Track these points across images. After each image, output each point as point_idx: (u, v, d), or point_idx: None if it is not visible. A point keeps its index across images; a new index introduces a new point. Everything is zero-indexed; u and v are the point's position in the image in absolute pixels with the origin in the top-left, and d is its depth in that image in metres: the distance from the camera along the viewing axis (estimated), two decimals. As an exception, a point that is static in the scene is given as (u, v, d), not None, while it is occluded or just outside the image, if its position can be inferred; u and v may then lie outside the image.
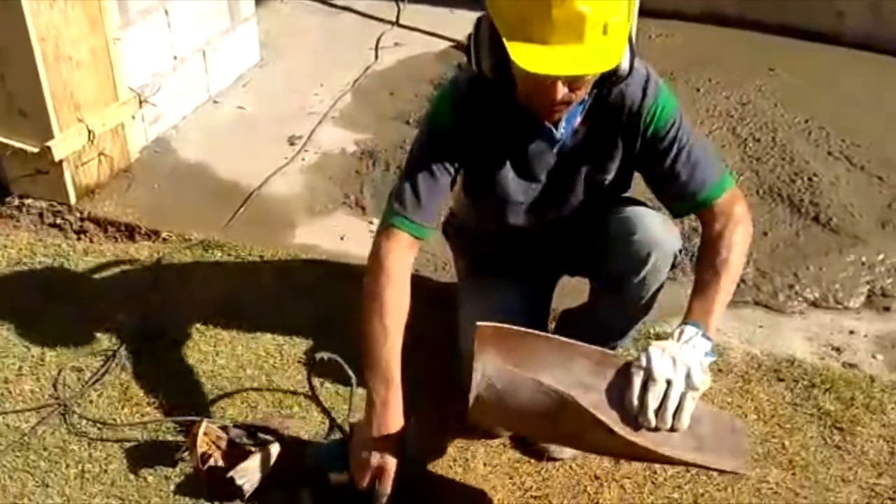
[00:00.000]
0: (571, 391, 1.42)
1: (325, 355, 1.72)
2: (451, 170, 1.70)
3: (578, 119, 1.69)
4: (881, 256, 2.42)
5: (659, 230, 1.72)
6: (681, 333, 1.53)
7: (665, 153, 1.68)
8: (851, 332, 2.24)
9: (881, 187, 2.69)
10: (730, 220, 1.66)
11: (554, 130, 1.68)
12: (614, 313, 1.85)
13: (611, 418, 1.44)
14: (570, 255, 1.95)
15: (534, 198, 1.79)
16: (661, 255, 1.71)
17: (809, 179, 2.70)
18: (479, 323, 1.51)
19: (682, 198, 1.71)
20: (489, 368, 1.44)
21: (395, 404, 1.58)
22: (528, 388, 1.42)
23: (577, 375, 1.51)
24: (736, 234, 1.66)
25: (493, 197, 1.79)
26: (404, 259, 1.69)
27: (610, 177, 1.76)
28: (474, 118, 1.68)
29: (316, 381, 1.82)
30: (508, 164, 1.74)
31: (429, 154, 1.70)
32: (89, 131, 2.59)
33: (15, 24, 2.33)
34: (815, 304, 2.32)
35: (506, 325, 1.54)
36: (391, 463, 1.57)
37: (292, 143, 3.03)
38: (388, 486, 1.57)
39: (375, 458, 1.57)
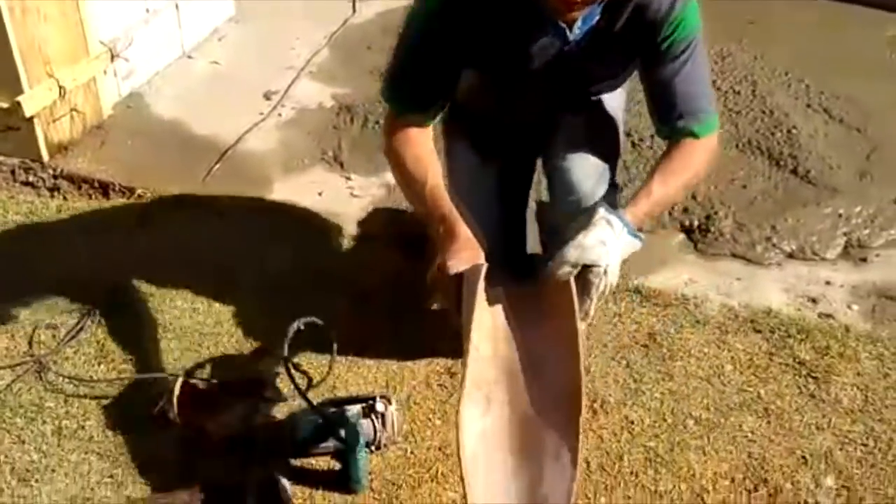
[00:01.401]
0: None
1: (302, 323, 1.69)
2: (446, 60, 1.60)
3: (596, 19, 1.55)
4: (858, 208, 2.43)
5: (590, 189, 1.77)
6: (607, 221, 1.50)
7: (670, 67, 1.59)
8: (828, 283, 2.25)
9: (859, 139, 2.70)
10: (694, 153, 1.63)
11: (568, 32, 1.55)
12: None
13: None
14: (549, 137, 1.88)
15: (527, 87, 1.71)
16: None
17: (789, 132, 2.70)
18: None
19: (665, 118, 1.65)
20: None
21: (462, 230, 1.50)
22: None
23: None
24: (691, 164, 1.63)
25: (483, 81, 1.73)
26: (423, 134, 1.64)
27: (612, 76, 1.73)
28: (469, 10, 1.56)
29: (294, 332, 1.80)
30: (507, 56, 1.64)
31: (422, 43, 1.60)
32: (60, 87, 2.54)
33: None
34: (791, 256, 2.33)
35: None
36: (480, 254, 1.48)
37: (268, 99, 2.99)
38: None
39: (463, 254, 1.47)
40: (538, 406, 1.36)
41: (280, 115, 2.92)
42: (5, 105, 2.47)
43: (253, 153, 2.72)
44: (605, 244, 1.45)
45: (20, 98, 2.44)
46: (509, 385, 1.38)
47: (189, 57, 3.19)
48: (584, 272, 1.44)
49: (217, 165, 2.64)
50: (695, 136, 1.62)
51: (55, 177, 2.57)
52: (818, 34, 3.26)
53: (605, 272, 1.44)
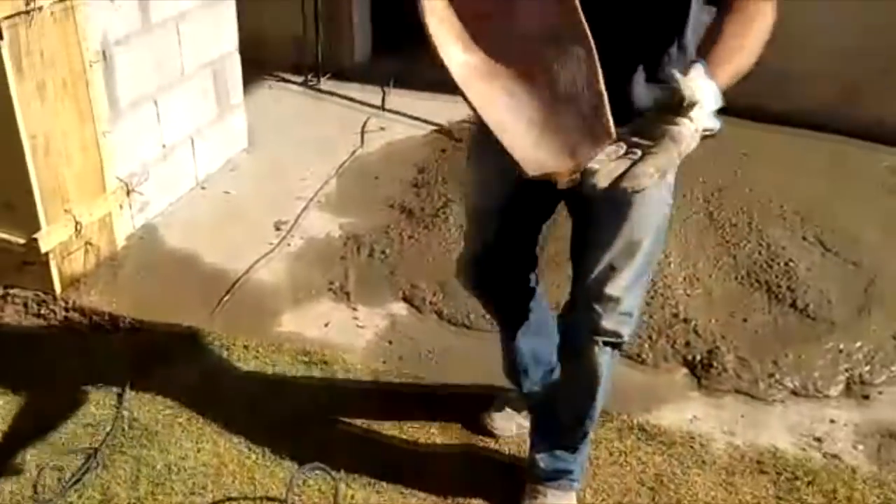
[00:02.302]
0: None
1: (307, 470, 1.69)
2: None
3: None
4: (858, 343, 2.46)
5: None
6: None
7: None
8: (832, 422, 2.25)
9: (856, 273, 2.75)
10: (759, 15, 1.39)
11: None
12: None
13: None
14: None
15: None
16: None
17: (786, 265, 2.76)
18: None
19: None
20: None
21: None
22: None
23: None
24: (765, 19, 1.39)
25: None
26: None
27: None
28: None
29: (300, 480, 1.81)
30: None
31: None
32: (76, 222, 2.62)
33: (5, 120, 2.37)
34: (795, 393, 2.34)
35: None
36: None
37: (278, 229, 3.07)
38: None
39: None
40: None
41: (289, 245, 2.99)
42: (23, 241, 2.55)
43: (262, 284, 2.78)
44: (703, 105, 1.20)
45: (37, 235, 2.52)
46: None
47: (202, 188, 3.30)
48: (677, 116, 1.19)
49: (226, 298, 2.69)
50: None
51: (67, 310, 2.62)
52: (811, 166, 3.37)
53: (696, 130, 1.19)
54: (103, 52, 2.65)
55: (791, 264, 2.76)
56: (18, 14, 2.27)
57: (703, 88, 1.22)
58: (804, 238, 2.91)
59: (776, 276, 2.72)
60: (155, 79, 2.94)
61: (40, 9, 2.33)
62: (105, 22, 2.64)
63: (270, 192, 3.29)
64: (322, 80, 4.23)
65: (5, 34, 2.26)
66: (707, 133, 1.24)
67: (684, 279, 2.71)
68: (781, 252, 2.82)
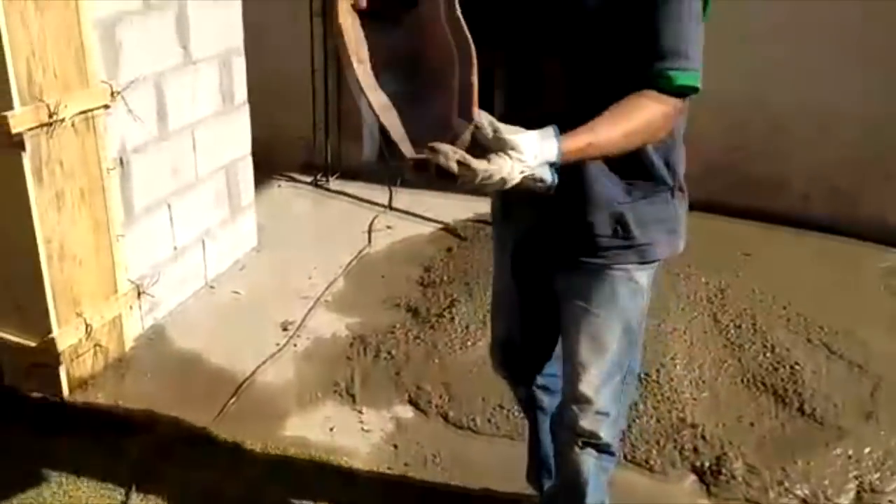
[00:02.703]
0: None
1: None
2: None
3: None
4: (867, 450, 2.44)
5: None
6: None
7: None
8: (844, 532, 2.22)
9: (861, 376, 2.75)
10: (656, 103, 1.44)
11: None
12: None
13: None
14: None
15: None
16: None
17: (791, 368, 2.76)
18: None
19: (641, 61, 1.45)
20: None
21: None
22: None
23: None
24: (646, 113, 1.43)
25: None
26: None
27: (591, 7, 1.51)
28: None
29: None
30: None
31: None
32: (87, 325, 2.65)
33: (22, 225, 2.43)
34: (805, 502, 2.31)
35: None
36: None
37: (285, 329, 3.10)
38: None
39: None
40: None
41: (296, 345, 3.01)
42: (32, 344, 2.57)
43: (268, 386, 2.78)
44: (521, 150, 1.30)
45: (48, 338, 2.55)
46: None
47: (211, 287, 3.35)
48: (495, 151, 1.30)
49: (232, 401, 2.69)
50: (670, 82, 1.43)
51: (74, 412, 2.62)
52: (813, 267, 3.41)
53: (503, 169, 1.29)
54: (120, 160, 2.74)
55: (797, 367, 2.76)
56: (41, 125, 2.37)
57: (520, 140, 1.31)
58: (809, 340, 2.92)
59: (782, 380, 2.72)
60: (170, 183, 3.02)
61: (62, 120, 2.42)
62: (123, 130, 2.74)
63: (278, 292, 3.33)
64: (331, 179, 4.34)
65: (27, 145, 2.35)
66: (538, 183, 1.35)
67: (690, 382, 2.71)
68: (787, 355, 2.82)
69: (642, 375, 2.74)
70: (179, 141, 3.05)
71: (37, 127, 2.35)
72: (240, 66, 3.32)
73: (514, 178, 1.30)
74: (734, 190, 3.84)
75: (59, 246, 2.53)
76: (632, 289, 1.69)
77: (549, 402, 2.00)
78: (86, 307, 2.66)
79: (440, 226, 3.84)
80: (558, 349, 1.85)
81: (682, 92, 1.45)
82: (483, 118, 1.31)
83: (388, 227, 3.86)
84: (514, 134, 1.31)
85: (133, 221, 2.86)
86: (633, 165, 1.59)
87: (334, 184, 4.32)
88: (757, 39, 3.56)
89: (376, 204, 4.08)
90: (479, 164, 1.27)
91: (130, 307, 2.88)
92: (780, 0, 3.55)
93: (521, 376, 2.03)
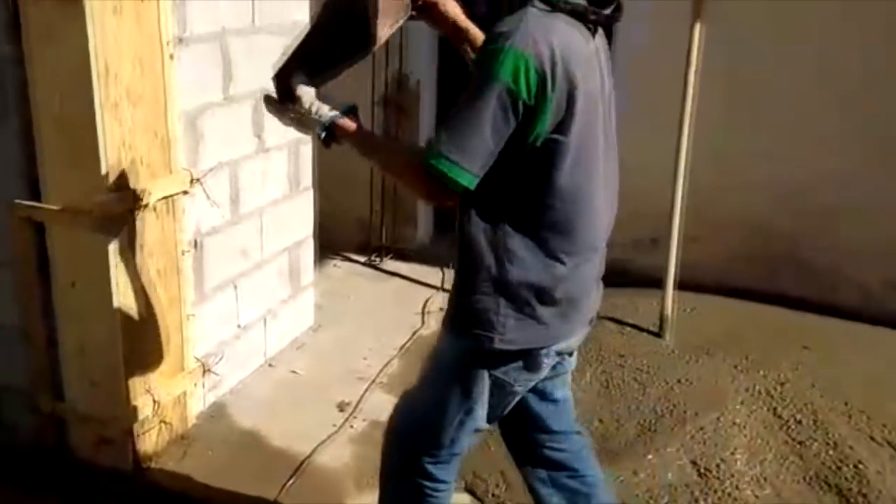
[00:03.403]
0: None
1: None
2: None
3: None
4: (938, 556, 2.38)
5: None
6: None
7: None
8: None
9: (929, 478, 2.69)
10: (412, 158, 1.72)
11: None
12: None
13: None
14: None
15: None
16: None
17: (855, 467, 2.72)
18: None
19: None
20: None
21: None
22: None
23: None
24: (403, 161, 1.78)
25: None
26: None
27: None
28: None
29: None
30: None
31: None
32: (155, 401, 2.72)
33: (102, 304, 2.54)
34: None
35: None
36: None
37: (342, 410, 3.14)
38: None
39: None
40: None
41: (352, 426, 3.04)
42: (104, 418, 2.65)
43: (326, 468, 2.81)
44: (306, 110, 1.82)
45: (118, 413, 2.62)
46: None
47: (270, 365, 3.42)
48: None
49: (290, 482, 2.72)
50: (424, 153, 1.68)
51: (140, 488, 2.67)
52: (872, 360, 3.37)
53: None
54: (195, 241, 2.86)
55: (861, 466, 2.71)
56: (127, 210, 2.49)
57: (308, 98, 1.82)
58: (872, 438, 2.87)
59: (846, 479, 2.67)
60: (238, 264, 3.13)
61: (146, 205, 2.55)
62: (199, 214, 2.86)
63: (335, 372, 3.38)
64: (385, 259, 4.43)
65: (114, 229, 2.47)
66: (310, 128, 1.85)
67: (752, 479, 2.67)
68: (850, 452, 2.78)
69: (702, 470, 2.72)
70: (249, 224, 3.17)
71: (124, 212, 2.47)
72: (306, 153, 3.46)
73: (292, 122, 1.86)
74: (792, 280, 3.84)
75: (135, 324, 2.62)
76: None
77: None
78: (155, 384, 2.73)
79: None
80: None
81: (431, 163, 1.67)
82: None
83: (442, 309, 3.91)
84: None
85: (202, 300, 2.96)
86: None
87: (388, 264, 4.41)
88: (813, 135, 3.62)
89: (429, 285, 4.16)
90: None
91: (195, 384, 2.95)
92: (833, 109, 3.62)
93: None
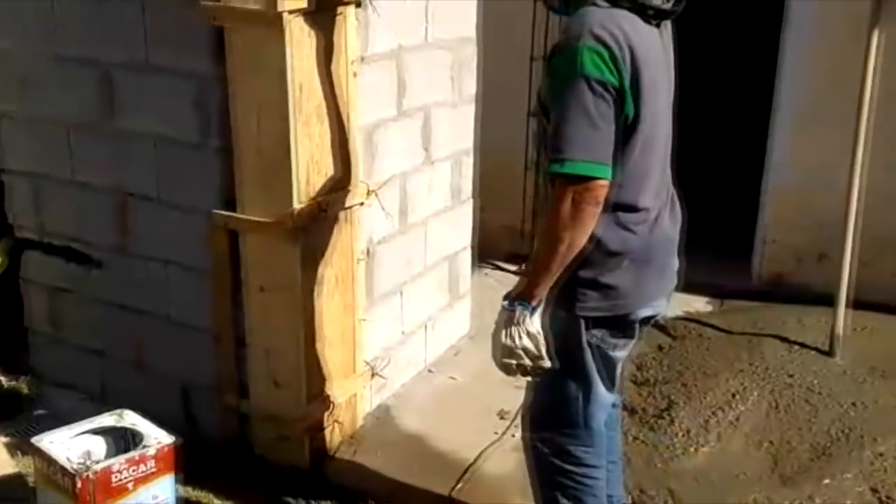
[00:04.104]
0: None
1: None
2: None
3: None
4: None
5: None
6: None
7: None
8: None
9: None
10: (553, 199, 1.82)
11: None
12: None
13: None
14: None
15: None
16: None
17: None
18: None
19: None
20: None
21: None
22: None
23: None
24: (545, 222, 1.85)
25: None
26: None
27: None
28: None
29: None
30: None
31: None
32: (331, 402, 2.86)
33: (288, 308, 2.69)
34: None
35: None
36: None
37: (502, 418, 3.18)
38: None
39: None
40: None
41: (513, 435, 3.07)
42: (285, 417, 2.80)
43: (491, 475, 2.86)
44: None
45: (299, 413, 2.77)
46: None
47: (429, 371, 3.51)
48: None
49: (458, 486, 2.79)
50: (555, 174, 1.79)
51: (315, 485, 2.81)
52: None
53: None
54: (368, 251, 2.98)
55: None
56: (313, 221, 2.63)
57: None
58: None
59: None
60: (404, 272, 3.24)
61: (329, 216, 2.68)
62: (372, 225, 2.98)
63: (492, 380, 3.39)
64: (536, 269, 4.44)
65: (300, 237, 2.62)
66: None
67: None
68: None
69: (883, 498, 2.60)
70: (415, 233, 3.27)
71: (309, 222, 2.62)
72: (468, 164, 3.54)
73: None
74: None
75: (316, 328, 2.76)
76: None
77: None
78: (330, 385, 2.87)
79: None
80: None
81: (560, 178, 1.78)
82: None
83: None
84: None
85: (372, 306, 3.08)
86: None
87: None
88: None
89: (582, 296, 4.14)
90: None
91: (364, 387, 3.07)
92: None
93: None
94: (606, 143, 1.78)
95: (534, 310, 1.88)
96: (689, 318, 3.79)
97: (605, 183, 1.78)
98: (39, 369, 3.31)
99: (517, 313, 1.88)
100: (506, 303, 1.92)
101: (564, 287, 1.93)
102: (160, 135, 2.74)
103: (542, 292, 1.88)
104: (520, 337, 1.89)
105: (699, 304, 4.02)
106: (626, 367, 3.41)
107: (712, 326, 3.75)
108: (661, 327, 3.77)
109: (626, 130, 1.83)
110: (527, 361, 1.92)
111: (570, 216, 1.79)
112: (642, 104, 1.82)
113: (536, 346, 1.90)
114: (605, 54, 1.75)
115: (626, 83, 1.78)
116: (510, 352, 1.92)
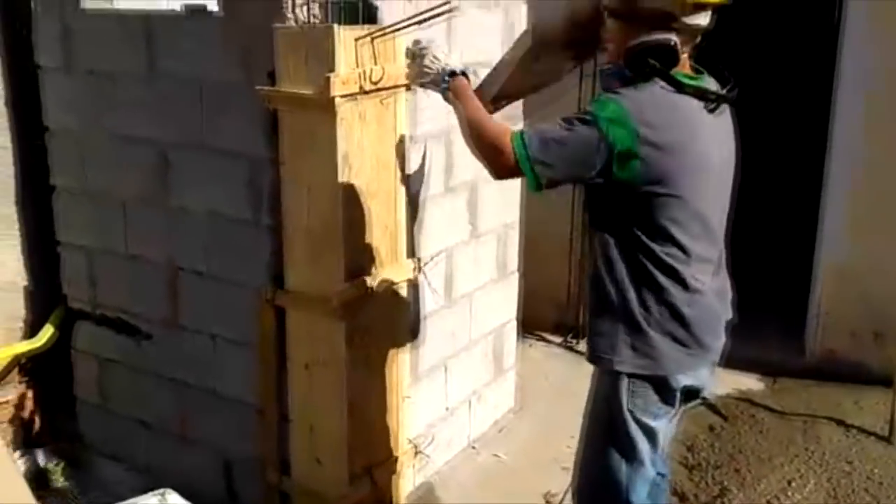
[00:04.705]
0: None
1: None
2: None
3: None
4: None
5: None
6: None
7: None
8: None
9: None
10: (502, 132, 1.99)
11: None
12: None
13: None
14: None
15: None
16: None
17: None
18: None
19: None
20: None
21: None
22: None
23: None
24: (493, 131, 2.01)
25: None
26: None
27: None
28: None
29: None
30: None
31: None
32: (373, 482, 2.81)
33: (332, 386, 2.67)
34: None
35: None
36: None
37: (548, 502, 3.10)
38: None
39: None
40: None
41: (562, 524, 3.00)
42: (326, 495, 2.76)
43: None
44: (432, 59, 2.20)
45: (340, 491, 2.72)
46: None
47: (472, 447, 3.45)
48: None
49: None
50: (514, 136, 1.95)
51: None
52: None
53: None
54: (413, 327, 2.97)
55: None
56: (358, 298, 2.63)
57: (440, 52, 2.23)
58: None
59: None
60: (449, 347, 3.21)
61: (374, 293, 2.69)
62: (418, 300, 2.97)
63: (538, 460, 3.36)
64: (581, 341, 4.38)
65: (345, 315, 2.62)
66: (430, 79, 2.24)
67: None
68: None
69: None
70: (460, 308, 3.25)
71: (356, 299, 2.62)
72: (514, 238, 3.54)
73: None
74: None
75: (359, 406, 2.74)
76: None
77: None
78: (373, 464, 2.83)
79: (698, 400, 3.73)
80: None
81: (513, 145, 1.94)
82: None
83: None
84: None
85: (416, 382, 3.05)
86: None
87: (583, 346, 4.36)
88: None
89: (629, 371, 4.06)
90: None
91: (407, 466, 3.02)
92: None
93: None
94: (557, 172, 1.93)
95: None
96: (740, 398, 3.68)
97: (516, 177, 2.02)
98: (87, 438, 3.34)
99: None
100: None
101: (606, 344, 2.04)
102: (212, 211, 2.79)
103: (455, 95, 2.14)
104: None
105: (751, 382, 3.90)
106: (672, 446, 3.34)
107: (765, 407, 3.63)
108: (712, 406, 3.67)
109: (657, 200, 1.92)
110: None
111: (482, 147, 2.02)
112: (686, 181, 1.92)
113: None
114: (628, 124, 1.86)
115: (637, 159, 1.87)
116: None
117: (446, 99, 2.18)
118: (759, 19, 5.16)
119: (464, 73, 2.18)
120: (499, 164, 1.98)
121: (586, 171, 1.91)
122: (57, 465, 3.20)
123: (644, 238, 1.96)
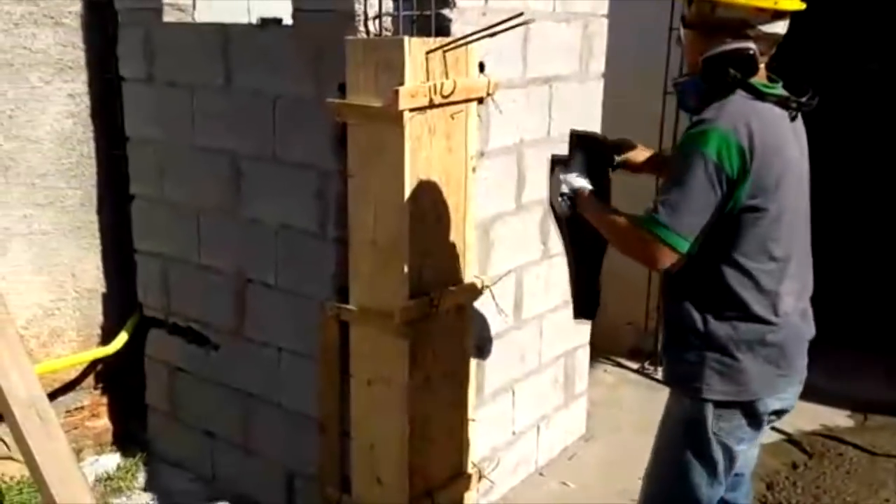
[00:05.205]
0: None
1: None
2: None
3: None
4: None
5: None
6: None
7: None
8: None
9: None
10: (633, 226, 1.95)
11: None
12: None
13: None
14: None
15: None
16: None
17: None
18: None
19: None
20: None
21: None
22: None
23: None
24: (625, 230, 1.98)
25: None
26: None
27: None
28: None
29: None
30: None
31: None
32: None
33: (393, 405, 2.62)
34: None
35: None
36: None
37: (619, 532, 2.96)
38: None
39: None
40: None
41: (631, 555, 2.85)
42: (384, 517, 2.70)
43: None
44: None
45: (400, 515, 2.66)
46: None
47: (540, 474, 3.34)
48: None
49: None
50: (641, 218, 1.91)
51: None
52: None
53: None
54: (478, 347, 2.89)
55: None
56: (423, 316, 2.58)
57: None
58: None
59: None
60: (517, 369, 3.12)
61: (439, 311, 2.62)
62: (485, 320, 2.90)
63: (607, 490, 3.22)
64: (657, 369, 4.22)
65: (408, 333, 2.56)
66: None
67: None
68: None
69: None
70: (529, 329, 3.16)
71: (420, 317, 2.56)
72: (588, 258, 3.42)
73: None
74: None
75: (421, 426, 2.67)
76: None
77: None
78: (435, 486, 2.76)
79: (783, 436, 3.52)
80: None
81: (647, 228, 1.88)
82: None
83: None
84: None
85: (482, 404, 2.97)
86: None
87: (661, 374, 4.19)
88: None
89: (707, 401, 3.87)
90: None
91: (470, 489, 2.94)
92: None
93: None
94: (696, 224, 1.86)
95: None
96: (827, 434, 3.46)
97: (673, 255, 1.88)
98: (155, 447, 3.38)
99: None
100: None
101: (690, 371, 1.99)
102: (282, 223, 2.79)
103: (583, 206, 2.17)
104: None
105: (839, 418, 3.67)
106: (752, 482, 3.15)
107: (854, 445, 3.40)
108: (796, 442, 3.46)
109: (749, 216, 1.88)
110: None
111: (628, 248, 1.97)
112: (777, 192, 1.89)
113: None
114: (733, 145, 1.82)
115: (748, 172, 1.84)
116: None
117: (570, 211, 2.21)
118: (832, 21, 4.93)
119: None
120: (650, 254, 1.91)
121: (719, 205, 1.87)
122: (126, 472, 3.24)
123: (737, 256, 1.92)
